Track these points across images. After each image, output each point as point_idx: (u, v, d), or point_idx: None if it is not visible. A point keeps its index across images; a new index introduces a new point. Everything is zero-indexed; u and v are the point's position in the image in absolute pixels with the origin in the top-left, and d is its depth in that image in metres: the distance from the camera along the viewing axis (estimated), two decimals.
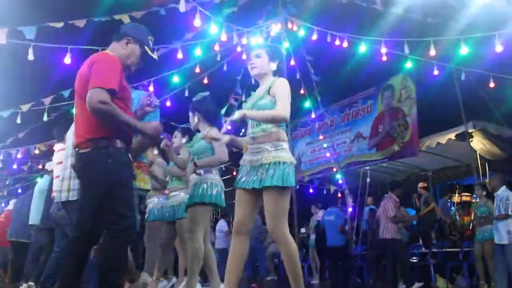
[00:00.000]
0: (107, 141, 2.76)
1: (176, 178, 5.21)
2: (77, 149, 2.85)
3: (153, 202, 5.42)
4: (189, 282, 4.21)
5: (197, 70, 7.84)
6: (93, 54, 2.99)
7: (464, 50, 6.47)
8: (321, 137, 12.09)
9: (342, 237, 8.77)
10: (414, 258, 8.72)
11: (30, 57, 5.80)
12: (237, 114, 3.02)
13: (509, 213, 6.40)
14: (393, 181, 10.15)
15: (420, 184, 10.77)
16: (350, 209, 11.50)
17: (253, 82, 6.74)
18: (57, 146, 5.16)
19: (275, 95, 3.07)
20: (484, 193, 7.26)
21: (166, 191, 5.42)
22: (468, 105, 8.98)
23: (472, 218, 7.83)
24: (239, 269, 3.07)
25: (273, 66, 3.22)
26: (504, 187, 6.70)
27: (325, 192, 12.72)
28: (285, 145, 3.13)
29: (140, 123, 2.97)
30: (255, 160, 3.08)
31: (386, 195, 8.11)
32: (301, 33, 8.08)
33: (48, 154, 8.52)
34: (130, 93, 3.15)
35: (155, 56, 3.16)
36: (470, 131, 9.08)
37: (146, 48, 3.06)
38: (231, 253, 3.10)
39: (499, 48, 6.11)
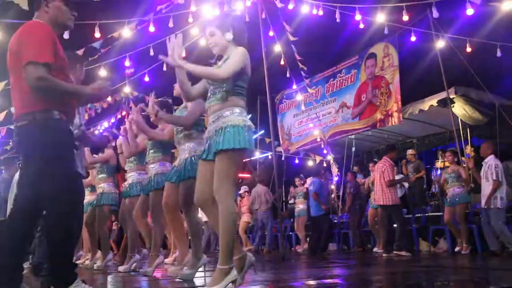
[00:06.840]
0: (44, 113, 2.66)
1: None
2: (15, 123, 2.75)
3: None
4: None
5: None
6: (22, 25, 2.79)
7: (435, 14, 6.42)
8: (303, 107, 12.07)
9: (320, 207, 8.79)
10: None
11: None
12: (174, 62, 2.88)
13: (500, 179, 6.62)
14: (388, 145, 10.09)
15: (409, 151, 10.81)
16: (335, 178, 11.61)
17: None
18: None
19: None
20: (456, 159, 7.80)
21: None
22: (449, 71, 8.94)
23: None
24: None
25: (228, 36, 3.16)
26: (492, 156, 6.89)
27: (311, 163, 12.78)
28: (238, 110, 3.02)
29: (83, 87, 2.93)
30: (211, 129, 3.06)
31: (383, 158, 7.92)
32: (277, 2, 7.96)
33: None
34: (67, 61, 2.91)
35: None
36: (451, 97, 9.07)
37: None
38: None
39: (470, 11, 6.08)
